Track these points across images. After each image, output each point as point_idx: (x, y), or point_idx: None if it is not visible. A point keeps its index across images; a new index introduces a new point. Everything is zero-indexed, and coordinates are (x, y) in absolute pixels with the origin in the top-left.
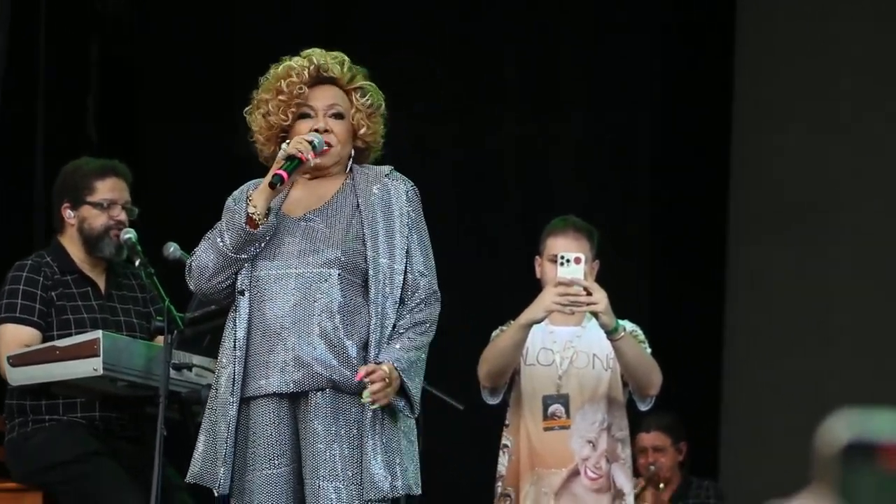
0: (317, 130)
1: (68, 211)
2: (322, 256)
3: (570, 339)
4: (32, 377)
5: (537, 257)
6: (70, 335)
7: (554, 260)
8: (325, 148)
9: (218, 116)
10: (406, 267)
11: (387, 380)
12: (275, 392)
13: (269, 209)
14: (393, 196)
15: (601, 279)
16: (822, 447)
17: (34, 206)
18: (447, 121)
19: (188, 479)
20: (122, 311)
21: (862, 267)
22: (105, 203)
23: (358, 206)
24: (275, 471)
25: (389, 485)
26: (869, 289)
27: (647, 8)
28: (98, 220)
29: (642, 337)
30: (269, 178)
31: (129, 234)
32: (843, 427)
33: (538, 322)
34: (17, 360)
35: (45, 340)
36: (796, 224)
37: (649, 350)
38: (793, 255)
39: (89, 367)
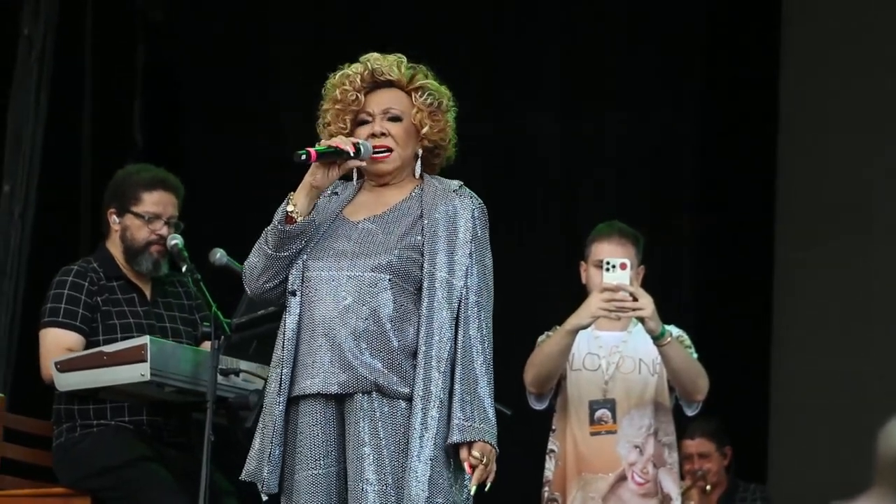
0: (373, 135)
1: (114, 217)
2: (374, 260)
3: (617, 345)
4: (80, 383)
5: (582, 262)
6: (115, 341)
7: (599, 265)
8: (383, 154)
9: (261, 120)
10: (465, 282)
11: (484, 460)
12: (319, 392)
13: (313, 208)
14: (459, 212)
15: (647, 284)
16: (883, 450)
17: (80, 211)
18: (483, 120)
19: (242, 476)
20: (168, 317)
21: None
22: (147, 216)
23: (421, 215)
24: (320, 471)
25: (426, 500)
26: None
27: (692, 7)
28: (139, 232)
29: (689, 342)
30: (308, 176)
31: (176, 239)
32: None
33: (584, 328)
34: (65, 366)
35: (89, 346)
36: (843, 226)
37: (696, 355)
38: (839, 258)
39: (136, 373)
